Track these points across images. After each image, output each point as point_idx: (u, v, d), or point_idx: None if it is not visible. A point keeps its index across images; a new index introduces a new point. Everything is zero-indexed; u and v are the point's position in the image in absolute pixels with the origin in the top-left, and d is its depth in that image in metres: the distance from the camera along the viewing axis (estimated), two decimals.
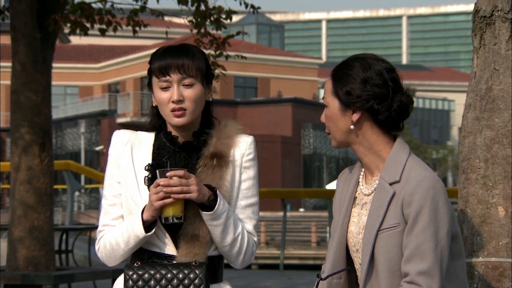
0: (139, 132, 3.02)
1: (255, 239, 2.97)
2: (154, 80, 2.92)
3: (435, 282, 2.69)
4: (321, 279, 2.80)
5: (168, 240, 2.89)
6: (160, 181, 2.78)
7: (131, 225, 2.86)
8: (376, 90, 2.79)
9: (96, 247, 2.97)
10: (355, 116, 2.81)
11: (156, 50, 2.99)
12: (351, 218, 2.90)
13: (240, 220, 2.92)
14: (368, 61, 2.82)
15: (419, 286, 2.69)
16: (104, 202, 2.99)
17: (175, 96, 2.88)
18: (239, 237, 2.89)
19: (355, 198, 2.92)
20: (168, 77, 2.89)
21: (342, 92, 2.81)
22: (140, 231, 2.84)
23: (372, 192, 2.85)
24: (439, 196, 2.72)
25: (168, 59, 2.89)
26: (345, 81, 2.81)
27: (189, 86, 2.90)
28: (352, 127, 2.82)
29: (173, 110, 2.88)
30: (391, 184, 2.77)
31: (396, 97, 2.80)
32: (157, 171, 2.82)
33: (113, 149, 2.98)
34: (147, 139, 3.00)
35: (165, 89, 2.90)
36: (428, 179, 2.73)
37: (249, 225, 2.95)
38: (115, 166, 2.96)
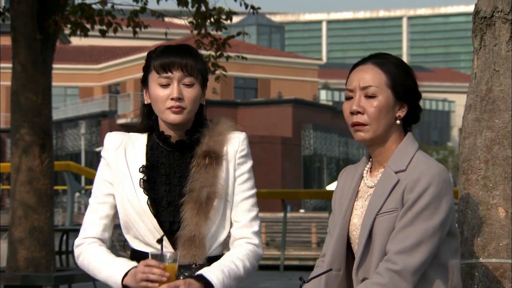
0: (131, 134, 3.01)
1: (259, 247, 2.96)
2: (153, 76, 2.91)
3: (413, 262, 2.68)
4: (304, 282, 2.80)
5: (166, 243, 2.88)
6: (153, 270, 2.72)
7: (111, 273, 2.86)
8: (418, 91, 2.92)
9: (76, 256, 2.98)
10: (403, 111, 2.87)
11: (155, 48, 2.98)
12: (354, 211, 2.90)
13: (240, 261, 2.89)
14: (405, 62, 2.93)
15: (394, 264, 2.68)
16: (93, 200, 2.98)
17: (175, 93, 2.87)
18: (245, 276, 2.90)
19: (358, 191, 2.93)
20: (169, 74, 2.88)
21: (401, 85, 2.84)
22: (117, 284, 2.85)
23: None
24: (443, 185, 2.74)
25: (172, 57, 2.89)
26: (400, 76, 2.85)
27: (189, 85, 2.90)
28: (398, 122, 2.86)
29: (170, 107, 2.88)
30: (396, 172, 2.79)
31: None
32: (149, 253, 2.77)
33: (106, 153, 2.97)
34: (140, 140, 2.99)
35: (164, 86, 2.89)
36: (435, 167, 2.76)
37: (248, 217, 2.94)
38: (106, 166, 2.96)
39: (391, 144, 2.87)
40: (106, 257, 2.90)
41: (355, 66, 2.92)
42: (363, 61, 2.90)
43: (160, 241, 2.82)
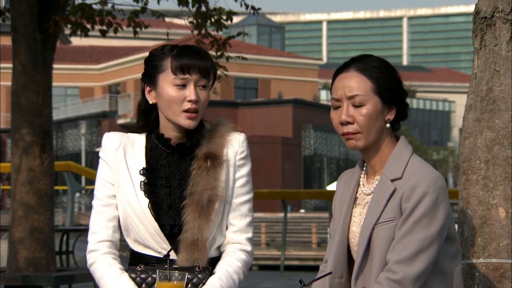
0: (130, 134, 2.99)
1: (251, 254, 2.96)
2: (167, 76, 2.88)
3: (413, 271, 2.68)
4: (305, 285, 2.80)
5: (167, 246, 2.88)
6: None
7: None
8: (404, 90, 2.87)
9: (88, 263, 2.96)
10: (392, 114, 2.84)
11: (162, 48, 2.94)
12: (353, 218, 2.90)
13: (237, 274, 2.90)
14: (387, 61, 2.89)
15: (394, 274, 2.68)
16: (96, 203, 2.95)
17: (193, 96, 2.86)
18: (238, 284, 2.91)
19: (356, 198, 2.92)
20: (187, 76, 2.86)
21: (387, 89, 2.81)
22: None
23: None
24: (439, 192, 2.73)
25: (193, 59, 2.87)
26: (385, 79, 2.82)
27: (204, 88, 2.89)
28: (388, 125, 2.84)
29: (187, 111, 2.86)
30: (392, 180, 2.78)
31: None
32: (157, 271, 2.76)
33: (105, 154, 2.95)
34: (138, 141, 2.97)
35: (179, 87, 2.87)
36: (430, 174, 2.75)
37: (244, 222, 2.95)
38: (107, 168, 2.94)
39: (383, 148, 2.85)
40: (117, 280, 2.88)
41: (337, 72, 2.88)
42: (346, 66, 2.86)
43: (166, 258, 2.81)
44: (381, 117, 2.82)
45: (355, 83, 2.81)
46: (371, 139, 2.82)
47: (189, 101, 2.85)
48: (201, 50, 2.93)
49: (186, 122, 2.87)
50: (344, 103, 2.82)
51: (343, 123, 2.83)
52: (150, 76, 2.93)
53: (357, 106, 2.81)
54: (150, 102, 2.94)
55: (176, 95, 2.86)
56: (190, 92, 2.86)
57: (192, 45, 2.98)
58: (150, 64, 2.94)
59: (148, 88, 2.95)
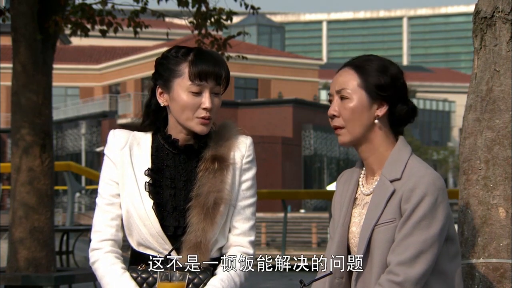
0: (136, 133, 2.98)
1: (251, 252, 2.96)
2: (183, 82, 2.86)
3: (414, 273, 2.68)
4: (305, 285, 2.80)
5: (169, 247, 2.87)
6: None
7: None
8: (401, 88, 2.86)
9: (91, 261, 2.95)
10: (382, 110, 2.84)
11: (185, 50, 2.92)
12: (352, 218, 2.90)
13: (238, 277, 2.90)
14: (388, 60, 2.89)
15: (396, 276, 2.69)
16: (100, 201, 2.94)
17: (208, 104, 2.85)
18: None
19: (355, 198, 2.93)
20: (204, 83, 2.86)
21: (373, 84, 2.82)
22: None
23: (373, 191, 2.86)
24: (439, 193, 2.73)
25: (211, 66, 2.86)
26: (375, 75, 2.83)
27: (217, 94, 2.89)
28: (376, 121, 2.84)
29: (202, 117, 2.86)
30: (392, 181, 2.79)
31: (409, 99, 2.88)
32: (158, 271, 2.76)
33: (110, 151, 2.94)
34: (145, 140, 2.97)
35: (195, 93, 2.87)
36: (429, 175, 2.75)
37: (247, 225, 2.95)
38: (112, 166, 2.93)
39: (378, 147, 2.85)
40: (118, 279, 2.87)
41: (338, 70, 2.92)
42: (344, 64, 2.90)
43: (168, 258, 2.81)
44: (368, 113, 2.83)
45: (343, 78, 2.86)
46: (356, 134, 2.84)
47: (204, 108, 2.86)
48: (218, 57, 2.92)
49: (199, 128, 2.87)
50: (334, 98, 2.88)
51: (331, 117, 2.87)
52: (163, 78, 2.91)
53: (344, 99, 2.84)
54: (162, 105, 2.93)
55: (191, 102, 2.86)
56: (205, 100, 2.86)
57: (208, 50, 2.96)
58: (165, 67, 2.91)
59: (159, 90, 2.93)
